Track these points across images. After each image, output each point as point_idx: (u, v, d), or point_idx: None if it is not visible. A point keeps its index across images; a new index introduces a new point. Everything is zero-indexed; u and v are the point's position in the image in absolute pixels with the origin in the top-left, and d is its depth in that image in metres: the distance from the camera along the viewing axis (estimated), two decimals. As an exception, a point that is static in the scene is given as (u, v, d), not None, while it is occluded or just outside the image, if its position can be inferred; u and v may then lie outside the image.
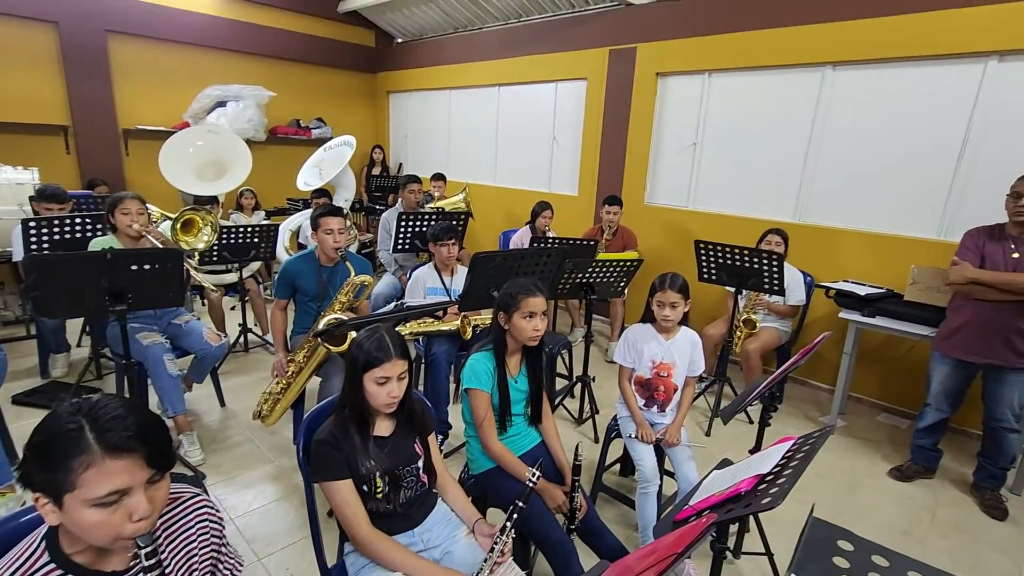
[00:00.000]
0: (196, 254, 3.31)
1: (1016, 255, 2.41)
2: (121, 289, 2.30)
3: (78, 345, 3.99)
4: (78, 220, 3.09)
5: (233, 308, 4.77)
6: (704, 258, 3.23)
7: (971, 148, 3.21)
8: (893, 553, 1.14)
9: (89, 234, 3.10)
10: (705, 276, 3.28)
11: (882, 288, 3.22)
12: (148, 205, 2.89)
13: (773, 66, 3.84)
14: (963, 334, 2.52)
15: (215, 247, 3.59)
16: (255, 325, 4.31)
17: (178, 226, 2.98)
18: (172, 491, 1.07)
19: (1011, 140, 3.08)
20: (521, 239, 4.42)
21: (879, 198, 3.54)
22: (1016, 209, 2.38)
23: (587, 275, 2.96)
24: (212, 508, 1.12)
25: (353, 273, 2.65)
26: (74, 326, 4.14)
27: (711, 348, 3.50)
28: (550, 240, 3.79)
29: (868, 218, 3.60)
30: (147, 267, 2.32)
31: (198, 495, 1.11)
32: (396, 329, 2.53)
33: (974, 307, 2.48)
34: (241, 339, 4.05)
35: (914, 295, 2.96)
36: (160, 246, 2.71)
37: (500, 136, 5.74)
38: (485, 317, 3.05)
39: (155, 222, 3.15)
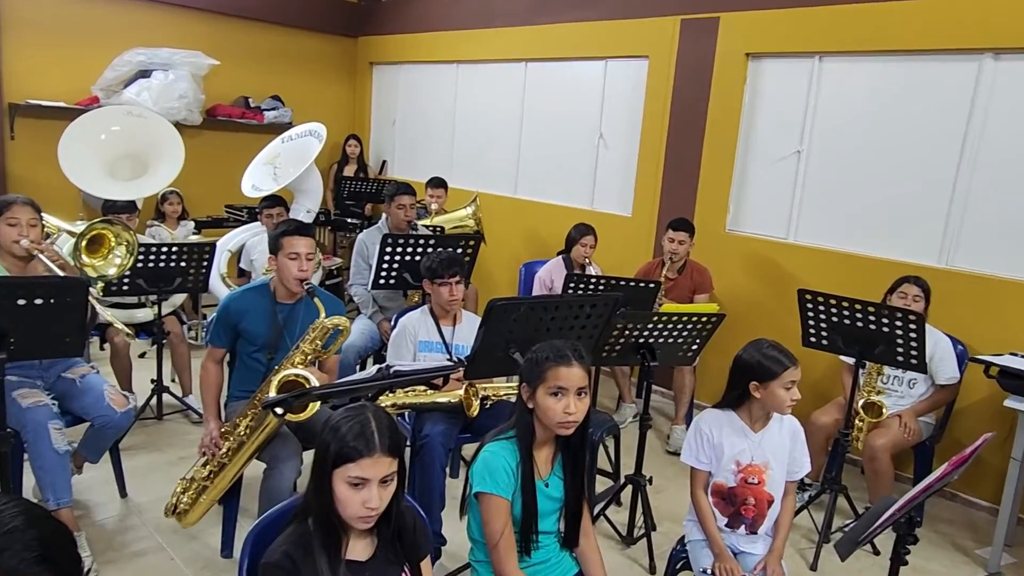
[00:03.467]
0: (101, 283, 3.38)
1: None
2: (1, 331, 2.35)
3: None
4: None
5: (143, 355, 4.84)
6: (811, 314, 3.24)
7: None
8: None
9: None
10: (812, 340, 3.29)
11: (1068, 367, 3.19)
12: (43, 215, 2.98)
13: (910, 51, 3.92)
14: None
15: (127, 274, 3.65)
16: (174, 381, 4.35)
17: (83, 244, 3.05)
18: None
19: None
20: (550, 275, 4.48)
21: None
22: None
23: (646, 333, 2.98)
24: None
25: (324, 314, 2.70)
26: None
27: (820, 442, 3.49)
28: (592, 279, 3.84)
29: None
30: (39, 301, 2.37)
31: None
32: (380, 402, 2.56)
33: None
34: (153, 401, 4.08)
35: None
36: (58, 271, 2.78)
37: (525, 130, 5.85)
38: (500, 387, 3.06)
39: (51, 237, 3.24)
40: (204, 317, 5.40)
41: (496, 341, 2.54)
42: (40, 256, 2.82)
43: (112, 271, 3.19)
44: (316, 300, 2.75)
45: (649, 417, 3.15)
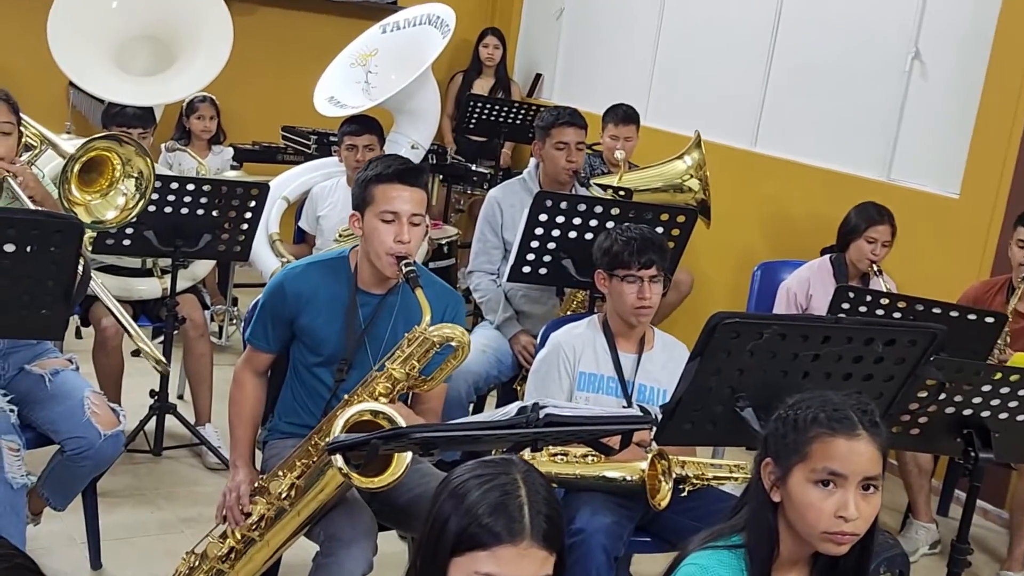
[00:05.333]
0: (92, 232, 3.57)
1: None
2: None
3: None
4: None
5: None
6: None
7: None
8: None
9: None
10: None
11: None
12: (23, 117, 3.20)
13: None
14: None
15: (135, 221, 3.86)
16: (181, 399, 4.57)
17: (75, 170, 3.25)
18: None
19: None
20: (807, 286, 4.45)
21: None
22: None
23: (978, 400, 2.86)
24: None
25: (428, 317, 2.72)
26: None
27: None
28: (881, 298, 3.75)
29: None
30: (9, 248, 2.52)
31: None
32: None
33: None
34: (151, 425, 4.29)
35: None
36: (31, 206, 2.96)
37: (781, 40, 5.82)
38: (707, 464, 3.02)
39: (33, 152, 3.44)
40: (235, 303, 5.64)
41: (715, 384, 2.51)
42: (11, 182, 3.00)
43: (112, 213, 3.36)
44: (419, 292, 2.75)
45: (969, 548, 3.03)
